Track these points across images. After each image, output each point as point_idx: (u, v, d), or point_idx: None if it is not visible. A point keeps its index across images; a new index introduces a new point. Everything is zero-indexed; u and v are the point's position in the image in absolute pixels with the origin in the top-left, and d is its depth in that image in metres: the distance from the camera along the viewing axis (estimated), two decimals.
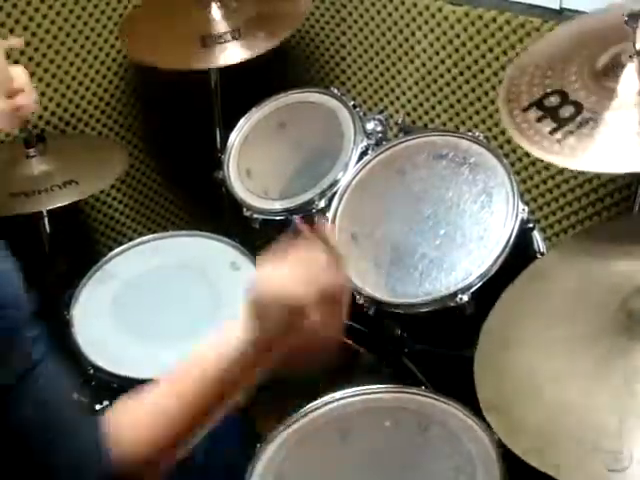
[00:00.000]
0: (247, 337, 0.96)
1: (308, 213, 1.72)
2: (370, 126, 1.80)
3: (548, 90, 1.40)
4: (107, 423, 0.91)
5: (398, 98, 2.20)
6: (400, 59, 2.14)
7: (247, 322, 0.97)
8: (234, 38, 1.92)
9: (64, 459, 0.88)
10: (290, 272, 0.98)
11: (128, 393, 0.96)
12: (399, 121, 1.99)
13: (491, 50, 1.95)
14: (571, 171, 1.92)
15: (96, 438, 0.90)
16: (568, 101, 1.36)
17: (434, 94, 2.11)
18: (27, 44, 2.07)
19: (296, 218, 1.68)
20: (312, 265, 0.99)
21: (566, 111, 1.35)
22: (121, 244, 1.91)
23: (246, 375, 0.98)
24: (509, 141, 2.00)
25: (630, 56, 1.35)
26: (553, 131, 1.33)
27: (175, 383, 0.97)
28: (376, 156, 1.69)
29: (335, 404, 1.41)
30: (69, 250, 2.09)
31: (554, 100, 1.37)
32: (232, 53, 1.90)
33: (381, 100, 2.24)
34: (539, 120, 1.36)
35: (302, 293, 0.96)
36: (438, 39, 2.03)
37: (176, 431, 0.94)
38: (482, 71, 1.98)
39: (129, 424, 0.93)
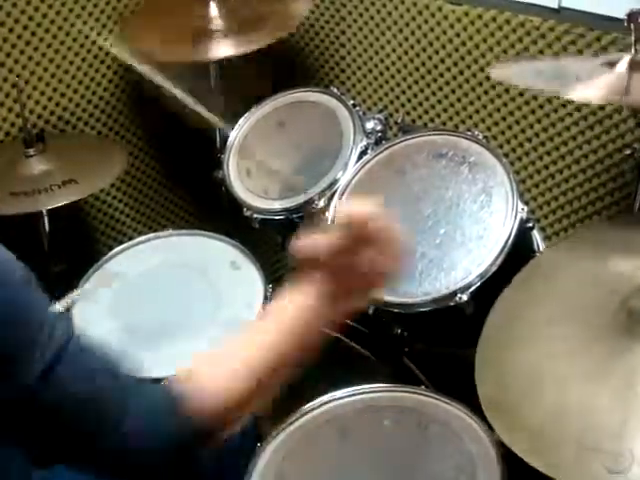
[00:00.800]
0: (314, 289, 1.00)
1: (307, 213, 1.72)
2: (370, 125, 1.80)
3: None
4: (186, 376, 0.94)
5: (397, 97, 2.20)
6: (400, 58, 2.14)
7: (311, 279, 1.00)
8: (226, 36, 1.93)
9: (133, 419, 0.90)
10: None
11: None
12: (399, 120, 1.99)
13: (490, 49, 1.95)
14: (570, 170, 1.92)
15: (161, 392, 0.94)
16: None
17: (433, 93, 2.11)
18: (27, 43, 2.07)
19: None
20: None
21: None
22: (121, 243, 1.91)
23: (317, 324, 1.01)
24: (509, 141, 2.00)
25: None
26: None
27: (254, 334, 1.01)
28: (375, 155, 1.69)
29: (335, 403, 1.41)
30: (69, 249, 2.09)
31: None
32: (223, 48, 1.93)
33: (380, 99, 2.24)
34: None
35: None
36: (437, 38, 2.04)
37: (255, 381, 0.96)
38: (482, 70, 1.98)
39: (209, 375, 0.95)
